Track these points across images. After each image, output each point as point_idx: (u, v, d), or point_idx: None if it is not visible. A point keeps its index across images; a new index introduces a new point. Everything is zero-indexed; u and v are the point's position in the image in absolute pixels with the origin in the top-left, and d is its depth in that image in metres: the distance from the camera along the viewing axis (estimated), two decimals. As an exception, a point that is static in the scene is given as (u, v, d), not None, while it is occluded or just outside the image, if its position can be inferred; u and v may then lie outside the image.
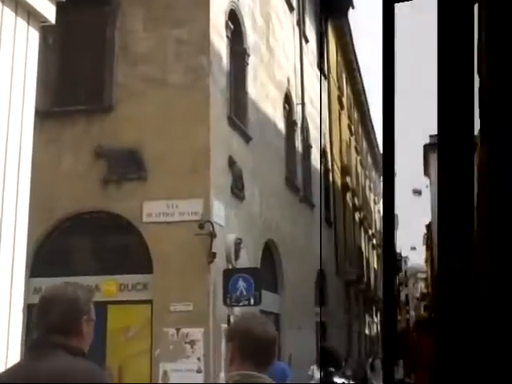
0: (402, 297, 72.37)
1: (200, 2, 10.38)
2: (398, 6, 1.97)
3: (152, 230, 9.73)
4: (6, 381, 2.06)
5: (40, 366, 1.98)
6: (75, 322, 2.09)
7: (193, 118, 9.95)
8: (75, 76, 10.84)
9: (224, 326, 9.69)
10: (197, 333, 9.33)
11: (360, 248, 28.65)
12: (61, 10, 10.76)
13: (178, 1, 10.45)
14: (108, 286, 9.78)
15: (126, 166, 9.99)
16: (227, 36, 11.15)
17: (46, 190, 9.96)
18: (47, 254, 10.12)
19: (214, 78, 10.29)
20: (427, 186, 37.58)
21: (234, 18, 11.57)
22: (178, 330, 9.34)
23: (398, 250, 53.25)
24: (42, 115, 10.36)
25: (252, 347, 2.06)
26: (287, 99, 15.47)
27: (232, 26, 11.37)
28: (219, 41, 10.68)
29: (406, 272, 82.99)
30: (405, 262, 75.75)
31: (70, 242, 10.31)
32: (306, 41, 18.36)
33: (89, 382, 2.01)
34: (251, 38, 12.60)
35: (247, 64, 12.17)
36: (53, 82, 10.65)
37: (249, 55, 12.22)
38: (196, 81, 10.09)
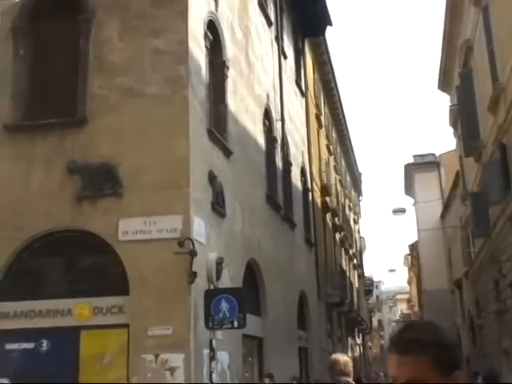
0: (375, 323, 72.02)
1: (178, 12, 9.95)
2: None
3: (128, 248, 9.15)
4: None
5: None
6: None
7: (171, 131, 9.46)
8: (47, 88, 10.29)
9: (206, 350, 9.12)
10: (177, 359, 8.71)
11: (342, 269, 28.21)
12: (33, 19, 10.37)
13: (156, 10, 10.00)
14: (81, 310, 9.15)
15: (100, 181, 9.43)
16: (206, 47, 10.73)
17: (15, 208, 9.41)
18: (16, 276, 9.49)
19: (193, 89, 9.82)
20: (414, 204, 37.50)
21: (212, 29, 11.16)
22: (156, 356, 8.72)
23: (369, 275, 53.24)
24: (12, 129, 9.86)
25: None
26: (267, 115, 15.08)
27: (211, 37, 10.95)
28: (198, 51, 10.25)
29: (378, 297, 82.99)
30: (377, 286, 75.79)
31: (41, 263, 9.68)
32: (285, 57, 18.04)
33: None
34: (230, 50, 12.20)
35: (227, 77, 11.74)
36: (23, 95, 10.13)
37: (228, 68, 11.80)
38: (175, 92, 9.61)
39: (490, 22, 16.36)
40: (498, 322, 18.56)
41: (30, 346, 9.15)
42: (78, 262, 9.60)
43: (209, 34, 10.84)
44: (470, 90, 19.66)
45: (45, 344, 9.14)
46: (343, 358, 5.18)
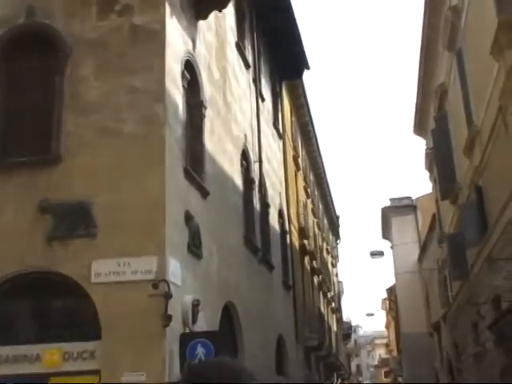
0: (353, 368, 71.37)
1: (155, 50, 9.88)
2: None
3: (101, 291, 8.85)
4: None
5: None
6: None
7: (147, 170, 9.28)
8: (21, 126, 10.08)
9: (181, 397, 8.76)
10: (151, 406, 8.35)
11: (320, 312, 27.89)
12: (7, 55, 10.22)
13: (132, 48, 9.93)
14: (51, 356, 8.77)
15: (73, 221, 9.18)
16: (183, 86, 10.64)
17: (-17, 249, 9.08)
18: (-17, 320, 9.11)
19: (170, 128, 9.70)
20: (391, 247, 37.49)
21: (190, 68, 11.10)
22: (129, 403, 8.36)
23: (347, 319, 52.90)
24: (-18, 167, 9.60)
25: None
26: (244, 156, 14.98)
27: (188, 76, 10.89)
28: (175, 90, 10.15)
29: (356, 342, 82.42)
30: (355, 331, 75.37)
31: (9, 306, 9.28)
32: (262, 99, 18.08)
33: None
34: (208, 90, 12.14)
35: (204, 116, 11.65)
36: (-5, 133, 9.90)
37: (206, 107, 11.72)
38: (151, 130, 9.46)
39: (464, 65, 16.59)
40: (477, 365, 18.34)
41: (-4, 393, 8.73)
42: (49, 305, 9.24)
43: (186, 73, 10.78)
44: (445, 134, 19.84)
45: (12, 392, 8.71)
46: None
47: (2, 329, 9.15)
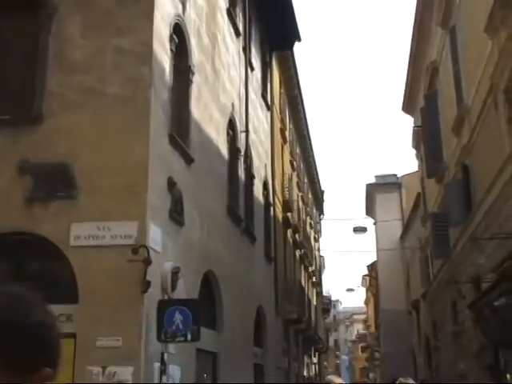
0: (331, 342, 72.08)
1: (143, 11, 9.61)
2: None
3: (80, 254, 8.70)
4: None
5: None
6: None
7: (131, 133, 9.07)
8: (3, 84, 9.80)
9: (157, 364, 8.70)
10: (126, 372, 8.26)
11: (301, 285, 27.96)
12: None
13: (120, 8, 9.65)
14: (26, 317, 8.63)
15: (53, 182, 8.98)
16: (171, 50, 10.40)
17: (-41, 208, 8.88)
18: (-43, 281, 8.92)
19: (156, 91, 9.47)
20: (374, 223, 37.57)
21: (178, 32, 10.84)
22: (104, 368, 8.26)
23: (327, 294, 53.21)
24: (-39, 125, 9.35)
25: None
26: (231, 125, 14.79)
27: (177, 40, 10.64)
28: (162, 53, 9.91)
29: (335, 317, 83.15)
30: (334, 306, 75.98)
31: (-16, 267, 9.13)
32: (252, 69, 17.83)
33: None
34: (196, 56, 11.90)
35: (191, 82, 11.42)
36: (-24, 90, 9.63)
37: (193, 73, 11.49)
38: (136, 92, 9.24)
39: (457, 43, 16.44)
40: (455, 344, 18.51)
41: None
42: (25, 267, 9.04)
43: (174, 37, 10.53)
44: (434, 112, 19.74)
45: (-15, 352, 8.57)
46: (338, 381, 5.00)
47: (-23, 289, 8.98)
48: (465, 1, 15.53)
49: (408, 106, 26.81)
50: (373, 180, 40.83)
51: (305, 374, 31.59)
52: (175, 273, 9.43)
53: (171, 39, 10.38)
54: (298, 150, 30.46)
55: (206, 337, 11.61)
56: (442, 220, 18.63)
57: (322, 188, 40.99)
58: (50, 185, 8.95)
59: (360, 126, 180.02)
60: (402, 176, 38.31)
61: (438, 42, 19.19)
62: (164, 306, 8.63)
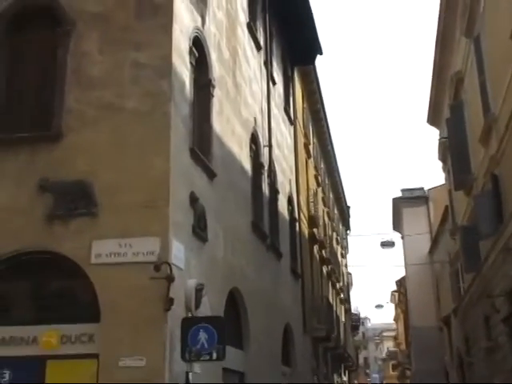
0: (361, 360, 71.07)
1: (162, 25, 9.49)
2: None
3: (101, 272, 8.52)
4: None
5: None
6: None
7: (151, 148, 8.91)
8: (22, 101, 9.75)
9: (182, 384, 8.44)
10: (150, 392, 8.02)
11: (329, 302, 27.52)
12: (10, 30, 9.88)
13: (138, 22, 9.55)
14: (48, 338, 8.46)
15: (73, 200, 8.83)
16: (191, 63, 10.26)
17: (-20, 227, 8.77)
18: (-21, 301, 8.81)
19: (176, 105, 9.31)
20: (402, 238, 37.00)
21: (198, 45, 10.71)
22: (128, 389, 8.03)
23: (356, 311, 52.44)
24: (-18, 143, 9.29)
25: None
26: (254, 139, 14.59)
27: (196, 53, 10.50)
28: (182, 66, 9.77)
29: (364, 334, 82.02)
30: (363, 323, 74.97)
31: (6, 287, 8.95)
32: (274, 83, 17.66)
33: None
34: (217, 69, 11.75)
35: (212, 96, 11.26)
36: (-3, 108, 9.57)
37: (214, 87, 11.32)
38: (155, 107, 9.09)
39: (482, 52, 16.12)
40: (489, 360, 17.95)
41: (-9, 376, 8.45)
42: (47, 286, 8.90)
43: (194, 50, 10.39)
44: (460, 122, 19.37)
45: (7, 375, 8.42)
46: None
47: (-2, 309, 8.86)
48: (489, 9, 15.23)
49: (433, 118, 26.43)
50: (399, 194, 40.30)
51: (335, 392, 31.03)
52: (199, 290, 9.19)
53: (191, 52, 10.24)
54: (322, 165, 30.17)
55: (233, 356, 11.34)
56: (471, 233, 18.18)
57: (348, 203, 40.61)
58: (70, 202, 8.81)
59: (385, 139, 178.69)
60: (429, 189, 37.75)
61: (463, 51, 18.87)
62: (188, 324, 8.39)
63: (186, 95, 9.93)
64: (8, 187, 9.07)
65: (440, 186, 31.82)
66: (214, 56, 11.59)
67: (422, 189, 39.25)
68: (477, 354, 20.70)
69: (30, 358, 8.44)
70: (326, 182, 32.21)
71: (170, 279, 8.30)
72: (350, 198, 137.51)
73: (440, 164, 26.85)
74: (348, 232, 43.98)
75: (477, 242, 17.80)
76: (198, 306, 9.09)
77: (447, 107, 21.81)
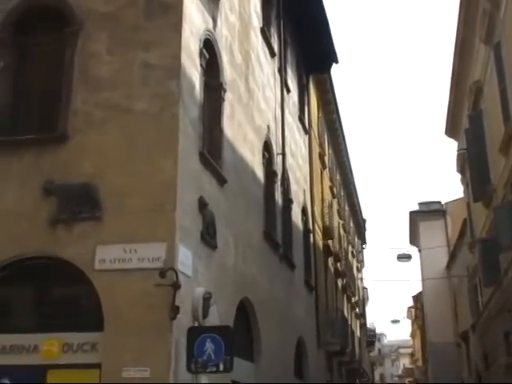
0: (377, 377, 69.91)
1: (171, 24, 9.22)
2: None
3: (105, 278, 8.19)
4: None
5: None
6: None
7: (158, 150, 8.60)
8: (28, 103, 9.52)
9: (188, 397, 8.06)
10: (154, 405, 7.65)
11: (343, 316, 26.98)
12: (17, 30, 9.66)
13: (147, 21, 9.28)
14: (49, 346, 8.15)
15: (78, 203, 8.54)
16: (201, 65, 9.96)
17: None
18: (-21, 307, 8.52)
19: (185, 107, 9.01)
20: (419, 251, 36.35)
21: (209, 48, 10.42)
22: (131, 401, 7.67)
23: (372, 327, 51.67)
24: (-14, 145, 9.04)
25: None
26: (267, 147, 14.26)
27: (207, 56, 10.21)
28: (191, 67, 9.48)
29: (380, 350, 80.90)
30: (379, 339, 73.90)
31: (6, 293, 8.65)
32: (288, 90, 17.34)
33: None
34: (228, 73, 11.46)
35: (223, 100, 10.95)
36: (1, 109, 9.33)
37: (225, 90, 11.02)
38: (164, 108, 8.79)
39: (502, 59, 15.73)
40: (509, 377, 17.37)
41: (-10, 385, 8.11)
42: (49, 292, 8.61)
43: (205, 51, 10.10)
44: (479, 133, 18.94)
45: (7, 384, 8.10)
46: None
47: (-2, 316, 8.55)
48: (509, 14, 14.85)
49: (451, 130, 25.96)
50: (416, 207, 39.69)
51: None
52: (207, 298, 8.84)
53: (201, 54, 9.95)
54: (337, 177, 29.75)
55: (243, 368, 10.94)
56: (491, 245, 17.68)
57: (364, 216, 40.05)
58: (75, 206, 8.53)
59: (402, 151, 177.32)
60: (447, 203, 37.15)
61: (482, 59, 18.47)
62: (194, 334, 8.03)
63: (196, 97, 9.63)
64: (12, 190, 8.80)
65: (458, 199, 31.27)
66: (225, 59, 11.31)
67: (440, 202, 38.66)
68: (496, 371, 20.11)
69: (31, 368, 8.12)
70: (342, 193, 31.77)
71: (175, 286, 7.96)
72: (366, 211, 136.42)
73: (458, 176, 26.36)
74: (364, 246, 43.40)
75: (496, 255, 17.31)
76: (205, 315, 8.74)
77: (466, 118, 21.39)
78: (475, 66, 19.91)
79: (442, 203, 38.28)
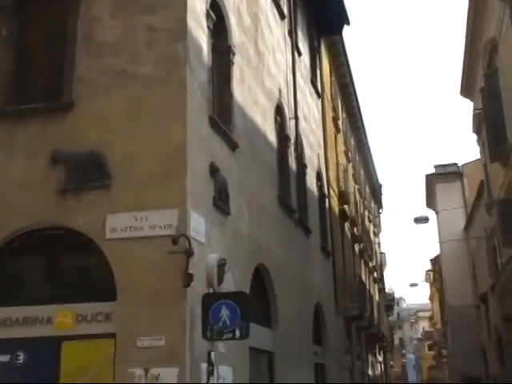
0: (396, 340, 70.02)
1: (176, -15, 8.91)
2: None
3: (117, 247, 8.04)
4: None
5: None
6: None
7: (166, 115, 8.37)
8: (32, 71, 9.29)
9: (204, 365, 7.96)
10: (170, 374, 7.53)
11: (361, 281, 26.87)
12: (17, -2, 9.40)
13: (151, -16, 8.98)
14: (63, 318, 8.04)
15: (87, 172, 8.36)
16: (208, 27, 9.67)
17: (-9, 203, 8.37)
18: (-9, 280, 8.42)
19: (192, 71, 8.75)
20: (436, 213, 35.99)
21: (216, 9, 10.11)
22: (146, 370, 7.56)
23: (390, 291, 51.62)
24: (-9, 115, 8.86)
25: None
26: (279, 111, 13.97)
27: (214, 17, 9.91)
28: (198, 30, 9.19)
29: (398, 314, 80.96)
30: (397, 303, 73.90)
31: (18, 265, 8.57)
32: (299, 53, 16.97)
33: None
34: (237, 36, 11.15)
35: (232, 63, 10.67)
36: (5, 79, 9.12)
37: (234, 53, 10.73)
38: (170, 72, 8.54)
39: (518, 14, 15.24)
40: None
41: (5, 358, 8.03)
42: (60, 263, 8.48)
43: (211, 13, 9.79)
44: (495, 91, 18.49)
45: (21, 357, 8.03)
46: None
47: (10, 289, 8.44)
48: (526, -34, 14.33)
49: (467, 89, 25.44)
50: (432, 170, 39.28)
51: (370, 372, 30.45)
52: (221, 265, 8.69)
53: (208, 16, 9.65)
54: (352, 141, 29.37)
55: (261, 335, 10.87)
56: (509, 205, 17.38)
57: (380, 181, 39.69)
58: (83, 175, 8.35)
59: (417, 113, 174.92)
60: (464, 164, 36.69)
61: (497, 15, 17.93)
62: (209, 301, 7.89)
63: (204, 61, 9.36)
64: (19, 161, 8.63)
65: (474, 160, 30.81)
66: (233, 21, 10.99)
67: (456, 164, 38.20)
68: (517, 331, 19.94)
69: (45, 339, 8.04)
70: (357, 158, 31.42)
71: (188, 253, 7.80)
72: (382, 176, 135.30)
73: (474, 137, 25.91)
74: (380, 210, 43.10)
75: (515, 215, 17.02)
76: (220, 282, 8.60)
77: (481, 77, 20.91)
78: (490, 23, 19.36)
79: (459, 165, 37.82)
